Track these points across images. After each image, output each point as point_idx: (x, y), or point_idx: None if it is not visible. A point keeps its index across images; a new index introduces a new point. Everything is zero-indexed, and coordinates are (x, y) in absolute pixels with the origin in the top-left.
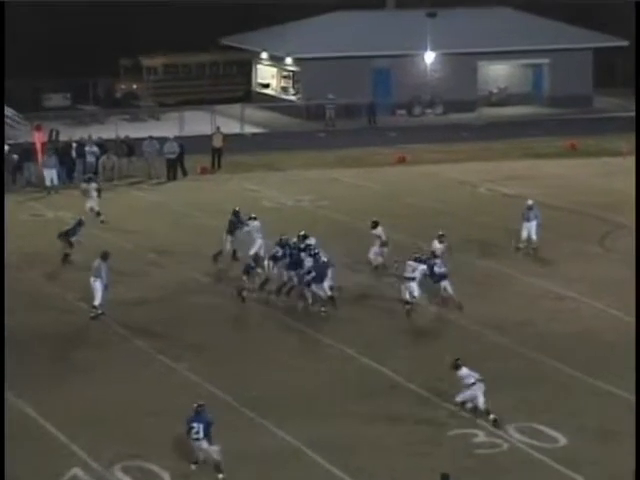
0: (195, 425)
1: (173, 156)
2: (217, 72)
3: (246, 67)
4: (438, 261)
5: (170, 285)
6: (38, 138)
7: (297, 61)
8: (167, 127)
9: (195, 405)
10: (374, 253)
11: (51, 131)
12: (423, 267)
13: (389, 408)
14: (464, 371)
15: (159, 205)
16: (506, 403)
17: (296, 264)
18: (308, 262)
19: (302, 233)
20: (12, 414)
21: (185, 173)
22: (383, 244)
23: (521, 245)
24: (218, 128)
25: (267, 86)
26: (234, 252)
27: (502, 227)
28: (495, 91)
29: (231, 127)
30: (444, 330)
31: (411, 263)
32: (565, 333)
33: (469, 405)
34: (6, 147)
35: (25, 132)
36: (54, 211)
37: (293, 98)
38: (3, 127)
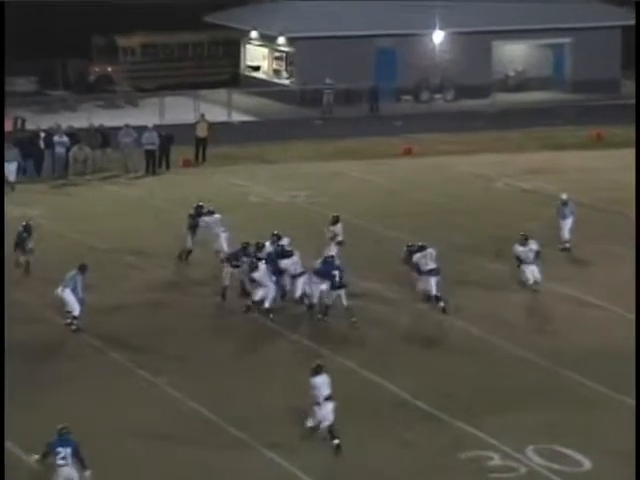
0: (61, 450)
1: (152, 147)
2: (201, 53)
3: (234, 47)
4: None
5: (149, 290)
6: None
7: (291, 41)
8: (146, 115)
9: (58, 427)
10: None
11: (16, 119)
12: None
13: (394, 428)
14: (323, 379)
15: (137, 201)
16: (524, 422)
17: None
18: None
19: (275, 232)
20: None
21: (168, 166)
22: (339, 243)
23: (567, 245)
24: (202, 116)
25: (257, 69)
26: (189, 252)
27: (520, 226)
28: (512, 74)
29: (217, 115)
30: (453, 340)
31: (429, 253)
32: (588, 343)
33: (311, 423)
34: None
35: None
36: (20, 208)
37: (286, 82)
38: (3, 125)
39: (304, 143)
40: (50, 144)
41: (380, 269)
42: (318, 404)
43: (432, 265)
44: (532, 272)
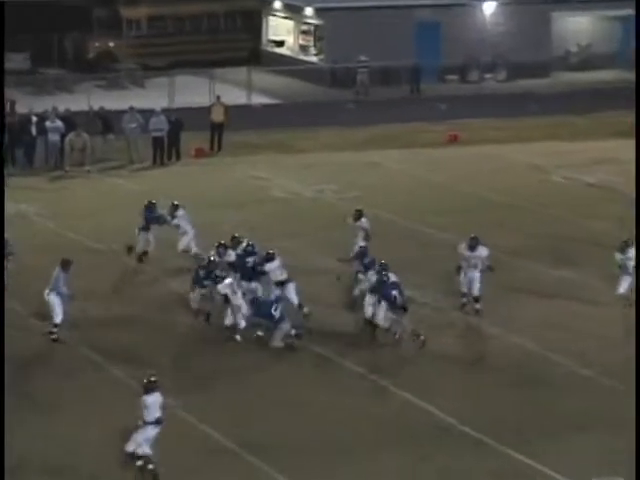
0: None
1: (161, 134)
2: (217, 26)
3: (254, 20)
4: None
5: (153, 299)
6: None
7: (320, 12)
8: (153, 96)
9: None
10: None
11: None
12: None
13: (436, 455)
14: (155, 398)
15: (141, 196)
16: (585, 450)
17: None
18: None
19: (236, 235)
20: None
21: (178, 156)
22: (367, 238)
23: None
24: (218, 98)
25: (281, 44)
26: (145, 252)
27: (584, 226)
28: (574, 50)
29: (235, 97)
30: (504, 356)
31: (476, 253)
32: None
33: (140, 451)
34: None
35: None
36: (15, 204)
37: (315, 59)
38: (3, 119)
39: (334, 129)
40: (43, 130)
41: (420, 274)
42: (141, 426)
43: (481, 264)
44: (629, 283)
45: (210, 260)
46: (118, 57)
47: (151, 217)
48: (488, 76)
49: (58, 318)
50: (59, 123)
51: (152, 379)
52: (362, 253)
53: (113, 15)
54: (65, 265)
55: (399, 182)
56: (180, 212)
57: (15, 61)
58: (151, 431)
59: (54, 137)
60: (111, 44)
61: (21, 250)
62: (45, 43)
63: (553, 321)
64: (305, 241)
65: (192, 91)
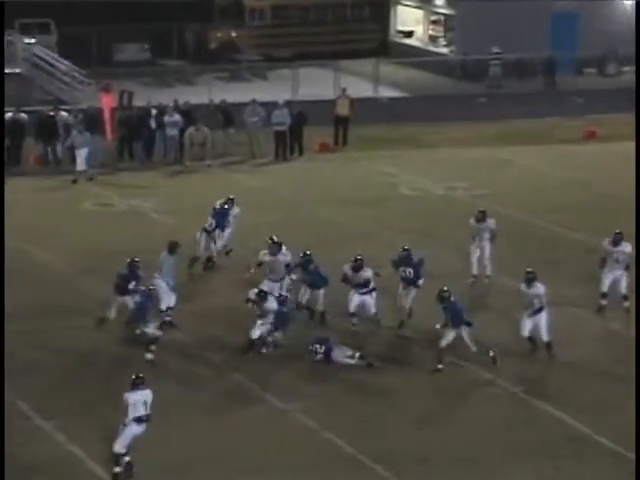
0: None
1: (283, 127)
2: (343, 16)
3: (382, 9)
4: None
5: None
6: (107, 103)
7: (451, 1)
8: (276, 89)
9: None
10: (489, 255)
11: (122, 93)
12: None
13: (572, 469)
14: (141, 395)
15: (263, 192)
16: None
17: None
18: None
19: (274, 238)
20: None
21: (302, 151)
22: (492, 239)
23: None
24: (344, 91)
25: (410, 35)
26: (209, 258)
27: None
28: None
29: (361, 89)
30: None
31: (619, 248)
32: None
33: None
34: (63, 114)
35: (89, 94)
36: (127, 200)
37: (445, 51)
38: (3, 116)
39: (464, 124)
40: (162, 124)
41: (553, 275)
42: (124, 425)
43: (618, 256)
44: None
45: (262, 290)
46: (241, 48)
47: (226, 218)
48: (627, 69)
49: (163, 304)
50: (177, 117)
51: (140, 375)
52: (407, 257)
53: (235, 4)
54: (172, 248)
55: (532, 180)
56: (236, 210)
57: (134, 52)
58: (135, 429)
59: (172, 131)
60: (233, 34)
61: (141, 248)
62: (165, 33)
63: None
64: (434, 241)
65: (316, 83)
